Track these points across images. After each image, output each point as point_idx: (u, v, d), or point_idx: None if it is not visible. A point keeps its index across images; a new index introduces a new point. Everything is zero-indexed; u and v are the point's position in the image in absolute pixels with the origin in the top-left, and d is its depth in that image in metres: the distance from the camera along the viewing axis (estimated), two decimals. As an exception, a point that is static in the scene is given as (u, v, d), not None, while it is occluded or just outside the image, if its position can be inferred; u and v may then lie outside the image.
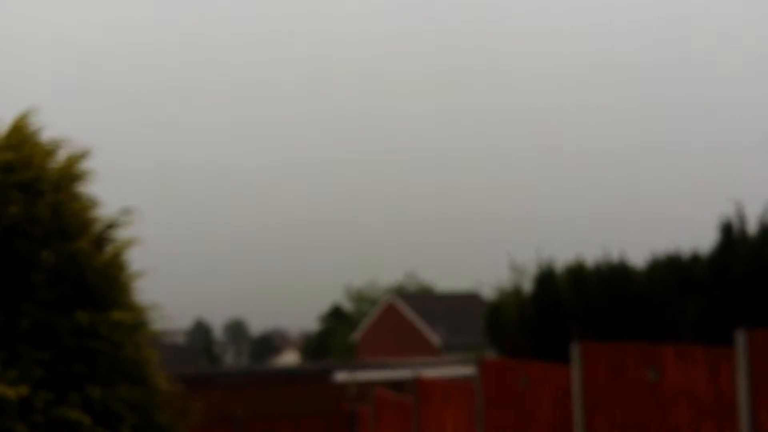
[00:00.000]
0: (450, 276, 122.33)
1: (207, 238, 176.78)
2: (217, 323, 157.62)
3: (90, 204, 5.97)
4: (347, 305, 62.38)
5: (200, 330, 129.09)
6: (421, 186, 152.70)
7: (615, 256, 8.60)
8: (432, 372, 18.10)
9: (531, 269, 12.38)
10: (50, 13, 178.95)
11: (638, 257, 8.45)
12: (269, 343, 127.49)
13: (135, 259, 6.27)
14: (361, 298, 59.35)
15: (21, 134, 5.45)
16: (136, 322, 5.88)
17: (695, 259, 7.49)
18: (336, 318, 63.55)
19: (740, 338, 5.85)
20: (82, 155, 5.95)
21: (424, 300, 42.10)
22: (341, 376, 21.05)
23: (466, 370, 14.89)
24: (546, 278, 9.68)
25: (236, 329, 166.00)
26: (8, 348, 4.69)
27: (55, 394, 4.66)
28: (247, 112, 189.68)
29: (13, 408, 4.35)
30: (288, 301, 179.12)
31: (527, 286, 11.69)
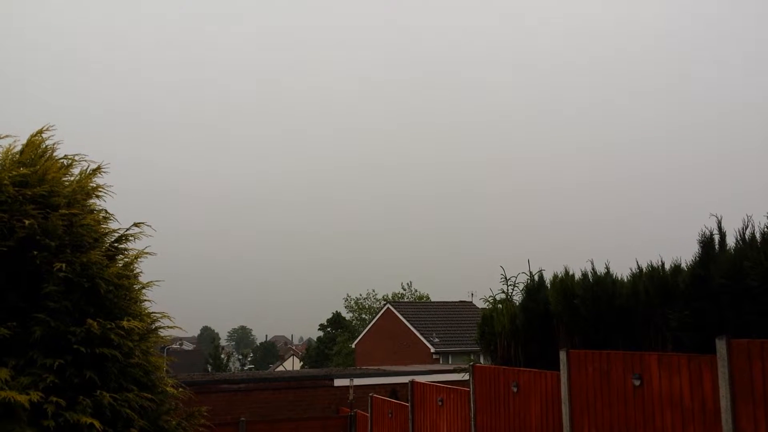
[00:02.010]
0: (444, 287, 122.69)
1: (214, 250, 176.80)
2: (223, 331, 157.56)
3: (102, 217, 5.94)
4: (346, 314, 62.20)
5: (207, 337, 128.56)
6: (419, 200, 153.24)
7: (601, 267, 8.55)
8: (427, 378, 17.99)
9: (522, 280, 12.36)
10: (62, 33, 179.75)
11: (623, 269, 8.41)
12: (272, 350, 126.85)
13: (145, 270, 6.24)
14: (359, 307, 59.19)
15: (36, 150, 5.43)
16: (146, 330, 5.83)
17: (676, 271, 7.44)
18: (335, 326, 63.30)
19: (721, 347, 5.81)
20: (95, 170, 5.93)
21: (419, 309, 41.94)
22: (341, 382, 20.91)
23: (459, 376, 14.79)
24: (536, 289, 9.64)
25: (241, 336, 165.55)
26: (21, 355, 4.63)
27: (67, 400, 4.60)
28: (249, 123, 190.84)
29: (25, 414, 4.29)
30: (290, 311, 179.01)
31: (518, 296, 11.66)
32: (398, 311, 39.65)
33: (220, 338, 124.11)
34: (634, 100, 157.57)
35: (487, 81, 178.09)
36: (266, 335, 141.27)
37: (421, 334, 36.57)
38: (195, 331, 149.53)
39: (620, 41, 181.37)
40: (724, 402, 5.71)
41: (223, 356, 79.75)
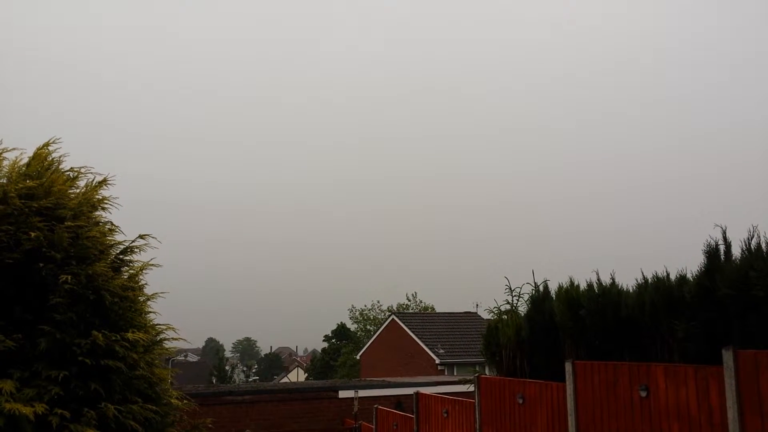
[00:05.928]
0: (449, 298, 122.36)
1: (219, 262, 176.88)
2: (228, 342, 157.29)
3: (108, 229, 5.97)
4: (351, 326, 62.09)
5: (212, 349, 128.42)
6: (420, 211, 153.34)
7: (606, 278, 8.52)
8: (432, 389, 17.91)
9: (527, 291, 12.31)
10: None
11: (628, 279, 8.37)
12: (277, 362, 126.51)
13: (150, 281, 6.26)
14: (364, 318, 59.07)
15: (42, 163, 5.47)
16: (151, 342, 5.84)
17: (682, 281, 7.41)
18: (340, 338, 63.16)
19: (727, 358, 5.78)
20: (101, 183, 5.96)
21: (424, 320, 41.81)
22: (345, 394, 20.83)
23: (465, 388, 14.72)
24: (541, 300, 9.60)
25: (246, 348, 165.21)
26: (27, 367, 4.64)
27: (71, 412, 4.60)
28: (250, 133, 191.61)
29: (30, 426, 4.29)
30: (295, 322, 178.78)
31: (523, 307, 11.61)
32: (403, 322, 39.54)
33: (224, 350, 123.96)
34: (634, 108, 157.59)
35: (488, 92, 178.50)
36: (271, 347, 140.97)
37: (426, 345, 36.45)
38: (199, 343, 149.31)
39: (623, 48, 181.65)
40: (731, 413, 5.67)
41: (227, 368, 79.56)
